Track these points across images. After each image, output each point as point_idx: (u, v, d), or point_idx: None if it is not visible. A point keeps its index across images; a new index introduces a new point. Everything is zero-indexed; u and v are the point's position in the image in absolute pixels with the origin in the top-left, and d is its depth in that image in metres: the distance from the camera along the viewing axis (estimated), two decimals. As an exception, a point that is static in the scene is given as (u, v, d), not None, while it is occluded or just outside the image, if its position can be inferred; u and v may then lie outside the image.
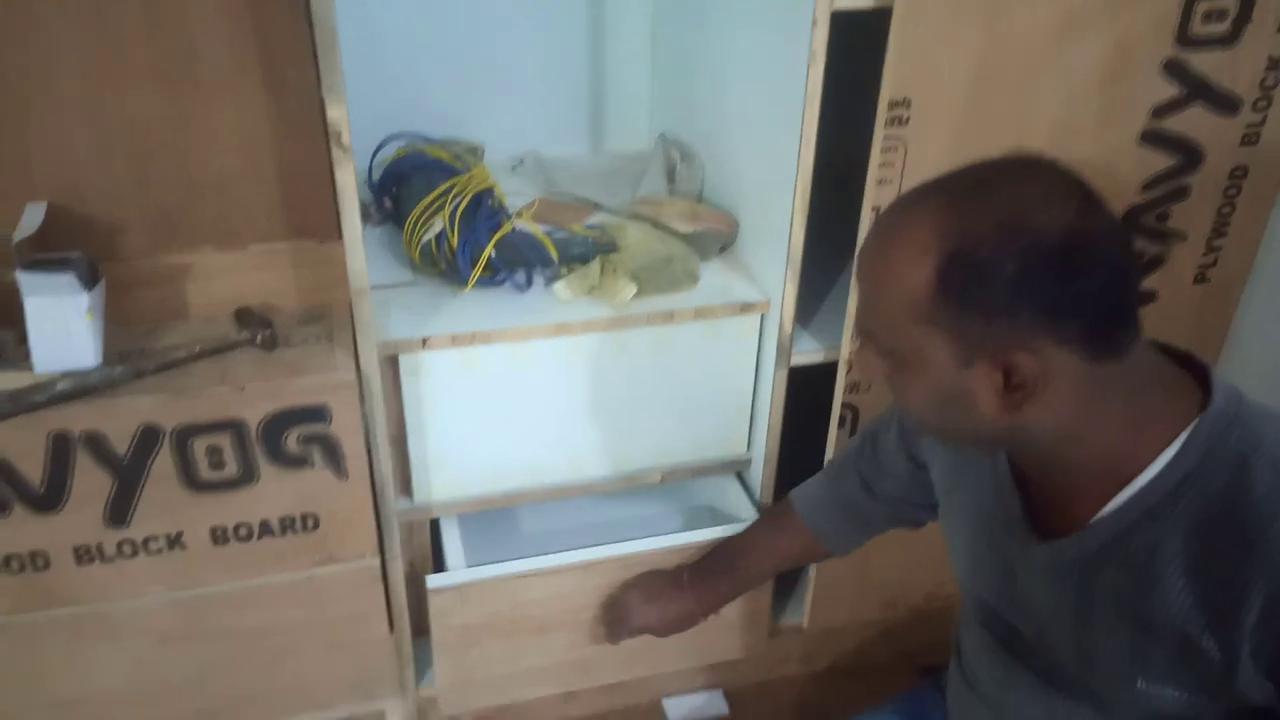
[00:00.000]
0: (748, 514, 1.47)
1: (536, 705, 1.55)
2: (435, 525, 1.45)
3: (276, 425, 1.19)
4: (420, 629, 1.46)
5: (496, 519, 1.49)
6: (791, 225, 1.26)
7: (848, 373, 1.34)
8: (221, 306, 1.26)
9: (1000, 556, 0.91)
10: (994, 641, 0.97)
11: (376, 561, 1.32)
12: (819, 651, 1.66)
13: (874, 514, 1.17)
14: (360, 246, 1.13)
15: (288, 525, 1.26)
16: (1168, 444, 0.76)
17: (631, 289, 1.31)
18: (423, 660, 1.49)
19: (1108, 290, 0.72)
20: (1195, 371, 0.79)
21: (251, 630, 1.31)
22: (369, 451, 1.25)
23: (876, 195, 1.22)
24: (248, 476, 1.21)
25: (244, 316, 1.24)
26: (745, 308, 1.35)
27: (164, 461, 1.17)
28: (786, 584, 1.61)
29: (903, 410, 0.84)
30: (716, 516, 1.51)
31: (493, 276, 1.34)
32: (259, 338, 1.21)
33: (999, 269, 0.70)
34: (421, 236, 1.33)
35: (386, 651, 1.40)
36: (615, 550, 1.37)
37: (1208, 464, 0.75)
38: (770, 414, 1.41)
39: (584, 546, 1.39)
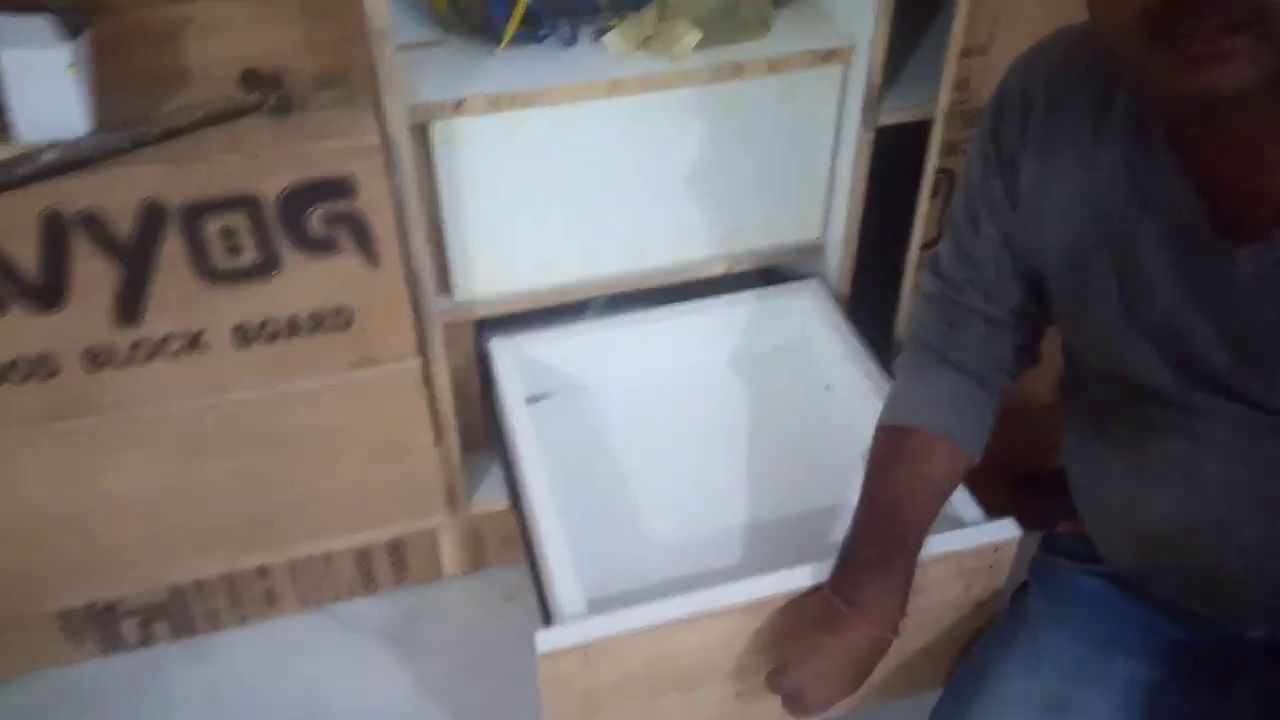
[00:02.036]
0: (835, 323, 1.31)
1: None
2: (480, 329, 1.32)
3: (297, 201, 1.03)
4: (471, 442, 1.35)
5: (604, 514, 1.18)
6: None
7: (945, 130, 1.16)
8: (226, 68, 1.08)
9: (1171, 287, 0.76)
10: (1154, 405, 0.82)
11: (418, 363, 1.19)
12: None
13: (999, 357, 0.94)
14: (378, -26, 0.95)
15: (318, 322, 1.12)
16: None
17: (694, 35, 1.12)
18: (475, 475, 1.38)
19: None
20: None
21: (288, 438, 1.19)
22: (402, 236, 1.10)
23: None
24: (270, 264, 1.07)
25: (252, 79, 1.07)
26: (827, 56, 1.17)
27: (174, 247, 1.03)
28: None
29: None
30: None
31: (533, 31, 1.16)
32: (271, 101, 1.05)
33: None
34: (448, -17, 1.15)
35: (434, 464, 1.28)
36: (784, 583, 0.96)
37: None
38: (853, 185, 1.24)
39: (730, 565, 1.09)
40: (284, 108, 1.06)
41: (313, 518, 1.28)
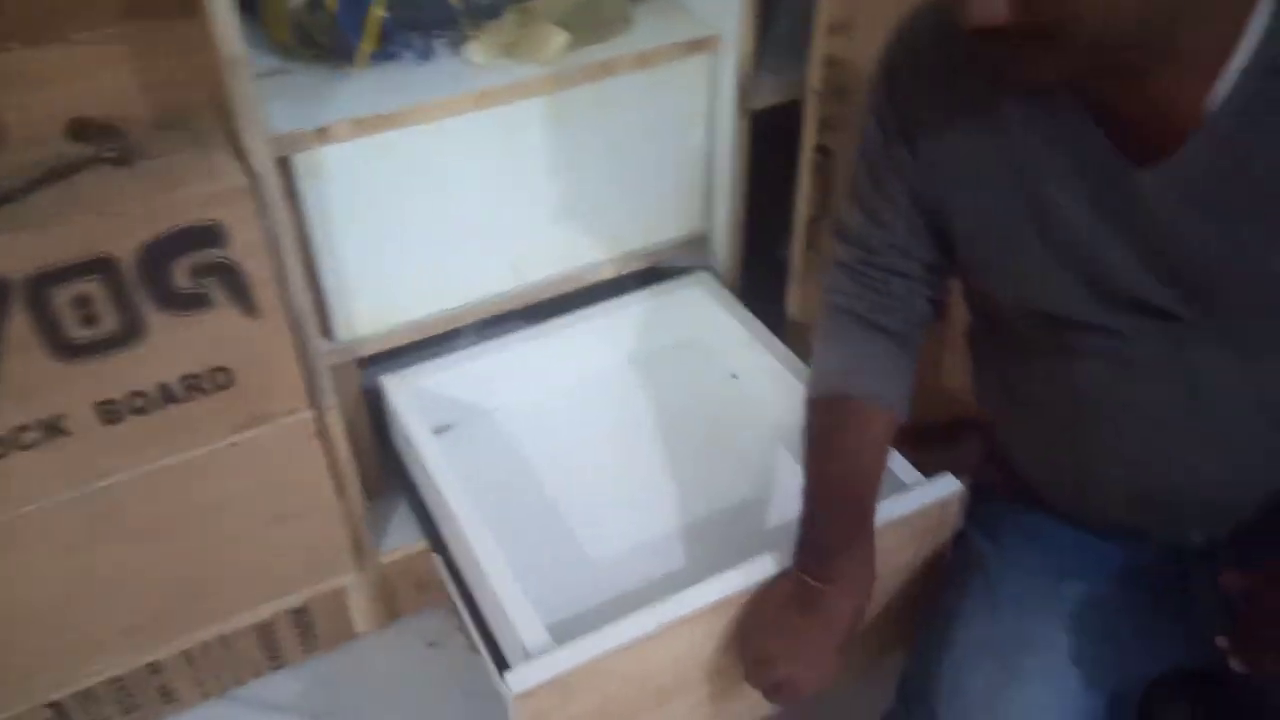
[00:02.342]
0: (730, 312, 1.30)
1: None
2: (362, 369, 1.23)
3: (158, 256, 0.93)
4: (368, 489, 1.26)
5: (538, 538, 1.13)
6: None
7: (818, 107, 1.17)
8: (48, 125, 0.97)
9: (1089, 222, 0.79)
10: (1081, 343, 0.85)
11: (310, 415, 1.10)
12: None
13: (903, 326, 0.95)
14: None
15: (193, 386, 1.02)
16: None
17: (562, 37, 1.08)
18: (379, 523, 1.30)
19: None
20: None
21: (175, 518, 1.08)
22: (281, 280, 1.01)
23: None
24: (133, 330, 0.96)
25: (82, 130, 0.96)
26: (694, 46, 1.15)
27: (20, 325, 0.90)
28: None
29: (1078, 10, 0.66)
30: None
31: (384, 49, 1.09)
32: (110, 151, 0.94)
33: None
34: (286, 3, 1.06)
35: (338, 518, 1.19)
36: (749, 576, 0.93)
37: None
38: (733, 172, 1.23)
39: (677, 569, 1.05)
40: (125, 157, 0.95)
41: (210, 600, 1.17)
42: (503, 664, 1.01)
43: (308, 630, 1.30)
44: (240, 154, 0.96)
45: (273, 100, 1.03)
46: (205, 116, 1.02)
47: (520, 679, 0.85)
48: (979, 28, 0.65)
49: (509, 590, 0.95)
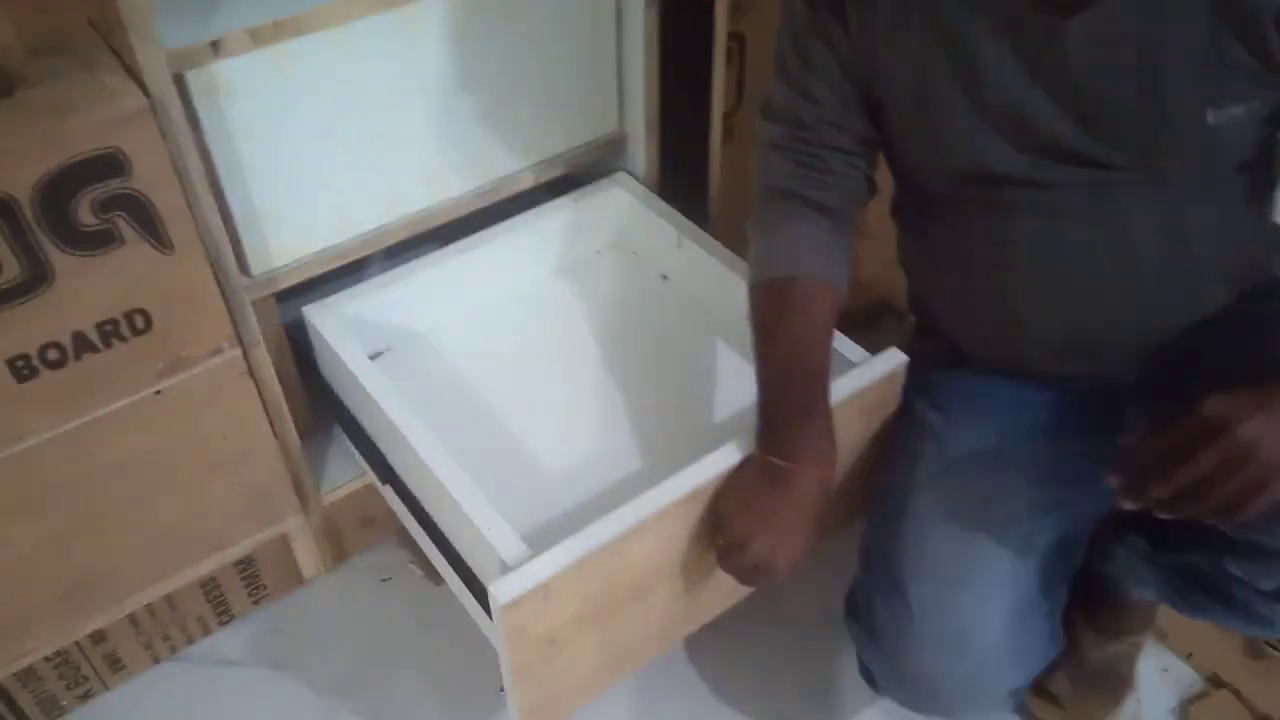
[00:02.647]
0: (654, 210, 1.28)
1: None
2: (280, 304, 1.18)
3: (57, 192, 0.86)
4: (307, 426, 1.22)
5: (493, 456, 1.10)
6: None
7: (727, -9, 1.15)
8: (-95, 57, 0.87)
9: (1013, 74, 0.82)
10: (1016, 198, 0.88)
11: (237, 353, 1.05)
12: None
13: (840, 203, 0.95)
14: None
15: (110, 332, 0.95)
16: None
17: (463, -70, 1.03)
18: (316, 462, 1.25)
19: None
20: None
21: (103, 478, 1.02)
22: (195, 209, 0.95)
23: None
24: (39, 277, 0.88)
25: (-54, 61, 0.87)
26: (598, -66, 1.11)
27: (-91, 280, 0.83)
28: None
29: None
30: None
31: (272, -46, 1.02)
32: (-16, 80, 0.86)
33: None
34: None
35: (278, 460, 1.14)
36: (716, 465, 0.92)
37: None
38: (646, 67, 1.20)
39: (637, 470, 1.05)
40: (7, 85, 0.86)
41: (150, 560, 1.11)
42: (474, 583, 1.00)
43: (254, 580, 1.25)
44: (132, 74, 0.89)
45: (150, 13, 0.95)
46: (83, 37, 0.94)
47: (505, 589, 0.83)
48: None
49: (478, 507, 0.93)
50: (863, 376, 1.00)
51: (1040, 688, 1.15)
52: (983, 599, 0.92)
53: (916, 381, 1.05)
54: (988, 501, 0.95)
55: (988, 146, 0.86)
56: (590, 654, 0.95)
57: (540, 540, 0.89)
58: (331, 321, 1.14)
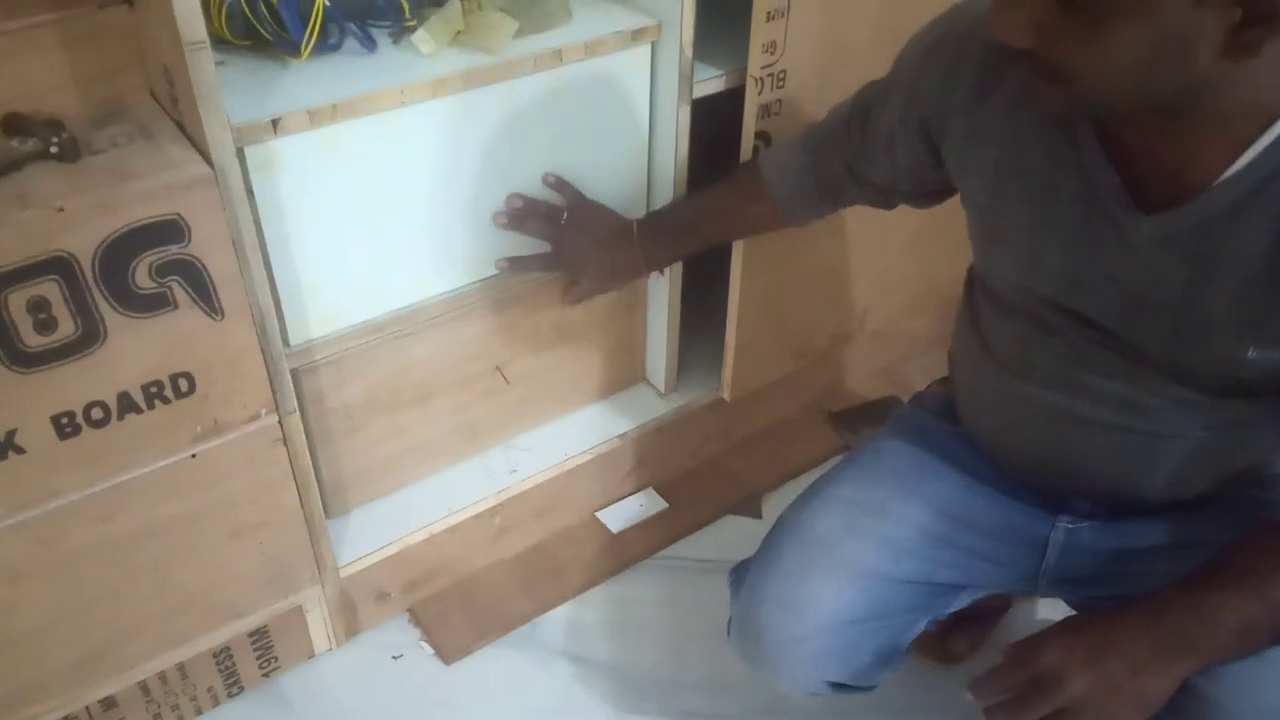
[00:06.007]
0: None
1: (467, 548, 1.36)
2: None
3: (118, 254, 0.88)
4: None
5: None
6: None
7: (759, 94, 1.21)
8: (-24, 120, 0.91)
9: (1078, 241, 0.83)
10: (1045, 333, 0.90)
11: (274, 418, 1.06)
12: (734, 424, 1.59)
13: (849, 193, 1.09)
14: (187, -21, 0.83)
15: (155, 394, 0.97)
16: None
17: (512, 25, 1.09)
18: (337, 532, 1.26)
19: None
20: None
21: (127, 541, 1.02)
22: (246, 277, 0.97)
23: None
24: (91, 335, 0.91)
25: (17, 125, 0.90)
26: (637, 35, 1.17)
27: (-29, 334, 0.85)
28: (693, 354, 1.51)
29: (1081, 73, 0.70)
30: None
31: (324, 40, 1.07)
32: (53, 145, 0.89)
33: None
34: (227, -3, 1.03)
35: (300, 528, 1.15)
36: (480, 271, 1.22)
37: None
38: (676, 163, 1.25)
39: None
40: (72, 152, 0.90)
41: (165, 628, 1.11)
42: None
43: (267, 651, 1.24)
44: (194, 144, 0.92)
45: (219, 93, 1.00)
46: (142, 108, 0.98)
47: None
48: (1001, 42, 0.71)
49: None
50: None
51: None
52: (837, 590, 0.98)
53: (906, 413, 1.13)
54: (883, 513, 1.01)
55: (1035, 294, 0.89)
56: (384, 441, 1.25)
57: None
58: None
